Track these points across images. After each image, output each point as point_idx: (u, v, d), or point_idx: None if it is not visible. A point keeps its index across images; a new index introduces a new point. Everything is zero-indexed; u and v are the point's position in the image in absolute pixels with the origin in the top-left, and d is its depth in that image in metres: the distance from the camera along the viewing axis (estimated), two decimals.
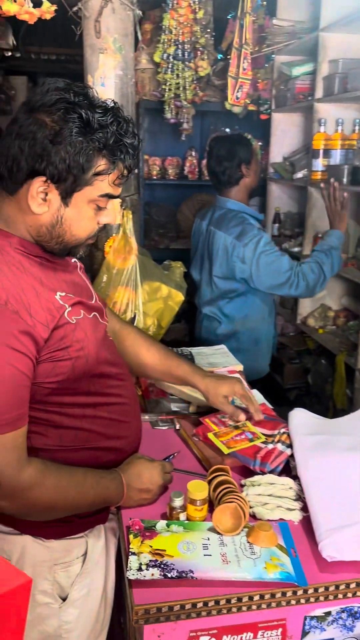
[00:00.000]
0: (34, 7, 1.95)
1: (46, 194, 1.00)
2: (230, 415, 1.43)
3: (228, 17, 3.22)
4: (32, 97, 0.98)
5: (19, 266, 1.00)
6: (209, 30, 3.18)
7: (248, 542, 1.09)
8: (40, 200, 0.99)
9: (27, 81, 5.10)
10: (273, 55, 3.20)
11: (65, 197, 1.00)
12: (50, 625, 1.16)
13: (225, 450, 1.35)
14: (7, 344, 0.94)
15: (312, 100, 2.79)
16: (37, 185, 0.98)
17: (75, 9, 2.06)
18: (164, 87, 3.19)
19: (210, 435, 1.42)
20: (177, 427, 1.55)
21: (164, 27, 3.05)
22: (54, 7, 1.98)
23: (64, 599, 1.17)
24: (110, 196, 1.04)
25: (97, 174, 1.00)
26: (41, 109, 0.96)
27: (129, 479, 1.18)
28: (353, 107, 2.72)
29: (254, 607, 1.01)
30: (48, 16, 2.00)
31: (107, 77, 2.08)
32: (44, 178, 0.97)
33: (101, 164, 1.00)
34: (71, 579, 1.18)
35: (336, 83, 2.57)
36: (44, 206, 1.00)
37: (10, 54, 4.75)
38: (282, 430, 1.39)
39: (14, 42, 4.23)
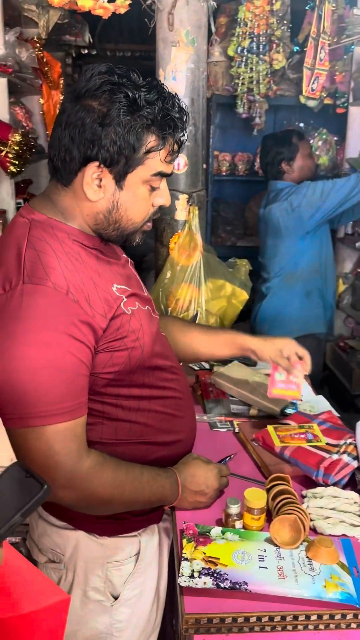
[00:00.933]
0: (109, 1, 1.96)
1: (100, 180, 0.99)
2: (285, 368, 1.37)
3: (306, 8, 3.11)
4: (76, 85, 0.98)
5: (77, 257, 1.01)
6: (285, 22, 3.08)
7: (307, 558, 1.03)
8: (96, 187, 0.99)
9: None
10: (352, 47, 3.06)
11: (119, 180, 1.00)
12: (101, 623, 1.15)
13: (277, 443, 1.31)
14: (68, 332, 0.94)
15: None
16: (91, 171, 0.98)
17: (149, 2, 2.05)
18: (237, 81, 3.13)
19: (270, 429, 1.37)
20: (237, 430, 1.50)
21: (239, 19, 2.99)
22: (128, 1, 1.98)
23: (115, 598, 1.16)
24: (162, 174, 1.03)
25: (148, 151, 0.99)
26: (87, 95, 0.96)
27: (184, 479, 1.15)
28: None
29: (310, 627, 0.95)
30: (122, 10, 2.00)
31: (179, 71, 2.05)
32: (97, 163, 0.97)
33: (151, 140, 0.98)
34: (123, 577, 1.16)
35: None
36: (99, 192, 1.00)
37: (86, 51, 4.83)
38: (349, 440, 1.32)
39: (90, 40, 4.29)
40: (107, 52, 5.18)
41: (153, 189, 1.04)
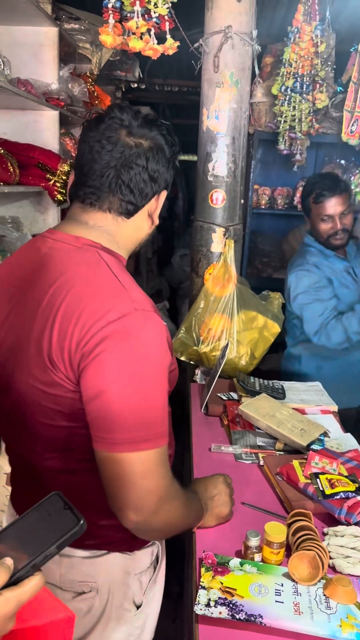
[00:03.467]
0: (158, 44, 2.06)
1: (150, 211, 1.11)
2: None
3: (351, 50, 3.17)
4: (134, 125, 1.05)
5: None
6: (329, 63, 3.15)
7: (324, 595, 1.03)
8: (148, 218, 1.12)
9: (149, 111, 5.37)
10: None
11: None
12: (121, 633, 1.15)
13: (302, 479, 1.34)
14: (166, 362, 0.97)
15: None
16: (153, 205, 1.10)
17: (196, 45, 2.15)
18: (279, 118, 3.20)
19: (295, 463, 1.39)
20: (261, 462, 1.51)
21: (284, 60, 3.07)
22: (177, 44, 2.08)
23: (138, 607, 1.16)
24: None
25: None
26: (149, 134, 1.06)
27: (200, 494, 1.21)
28: None
29: None
30: (171, 52, 2.10)
31: (221, 110, 2.13)
32: (165, 191, 1.11)
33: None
34: (144, 585, 1.17)
35: None
36: (150, 222, 1.12)
37: (136, 85, 5.03)
38: None
39: (140, 75, 4.47)
40: (156, 87, 5.37)
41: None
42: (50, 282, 0.97)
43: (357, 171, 3.71)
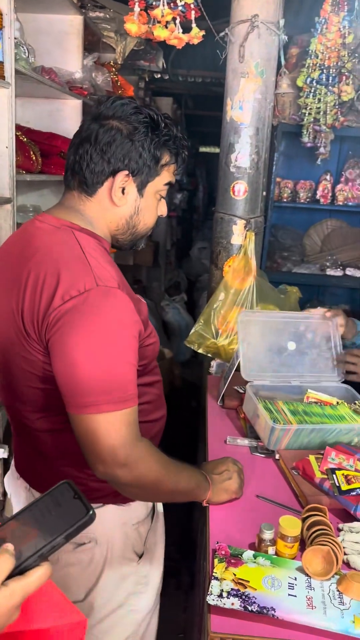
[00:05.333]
0: (183, 32, 2.04)
1: (124, 188, 1.13)
2: None
3: None
4: (101, 110, 1.12)
5: (112, 262, 1.13)
6: (356, 54, 3.09)
7: (338, 591, 1.03)
8: (120, 194, 1.13)
9: (172, 102, 5.34)
10: None
11: (141, 188, 1.15)
12: (130, 582, 1.23)
13: (318, 474, 1.33)
14: (133, 330, 1.05)
15: None
16: (120, 180, 1.12)
17: (222, 34, 2.12)
18: (303, 111, 3.16)
19: (311, 458, 1.38)
20: (277, 457, 1.51)
21: (310, 51, 3.02)
22: (202, 33, 2.06)
23: (140, 556, 1.24)
24: (170, 184, 1.21)
25: (165, 164, 1.16)
26: (114, 116, 1.11)
27: (208, 471, 1.26)
28: None
29: None
30: (196, 41, 2.08)
31: (246, 101, 2.11)
32: (126, 172, 1.12)
33: (166, 155, 1.16)
34: (144, 535, 1.25)
35: None
36: (123, 199, 1.14)
37: (159, 75, 5.00)
38: None
39: (164, 65, 4.45)
40: (179, 77, 5.34)
41: (160, 198, 1.21)
42: (28, 258, 1.07)
43: None
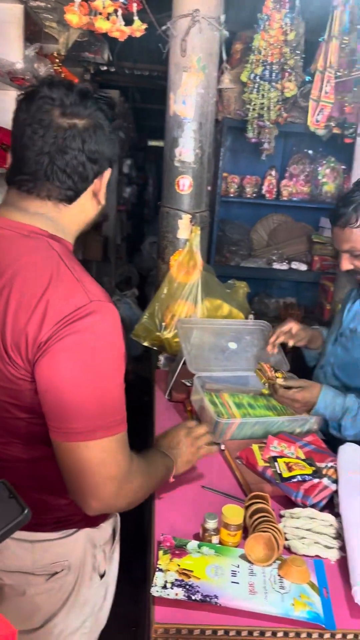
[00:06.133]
0: (125, 25, 2.03)
1: (96, 192, 1.06)
2: None
3: (319, 40, 3.19)
4: (67, 106, 0.98)
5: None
6: (298, 52, 3.15)
7: (278, 576, 1.06)
8: (104, 192, 1.07)
9: (119, 95, 5.29)
10: None
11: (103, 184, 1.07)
12: (91, 605, 1.16)
13: (260, 463, 1.36)
14: (121, 353, 0.96)
15: None
16: (106, 178, 1.06)
17: (163, 28, 2.12)
18: (248, 106, 3.20)
19: (255, 447, 1.41)
20: (222, 448, 1.53)
21: (253, 47, 3.06)
22: (145, 26, 2.05)
23: (102, 576, 1.18)
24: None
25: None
26: (81, 114, 0.99)
27: (166, 447, 1.25)
28: None
29: None
30: (138, 34, 2.07)
31: (189, 95, 2.12)
32: (110, 169, 1.05)
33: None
34: (107, 554, 1.19)
35: None
36: (97, 203, 1.07)
37: (105, 68, 4.94)
38: (330, 464, 1.34)
39: (110, 57, 4.39)
40: (125, 70, 5.29)
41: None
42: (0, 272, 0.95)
43: (325, 161, 3.75)
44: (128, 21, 2.06)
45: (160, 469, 1.18)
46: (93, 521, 1.12)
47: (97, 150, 1.00)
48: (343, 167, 3.71)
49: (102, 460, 0.93)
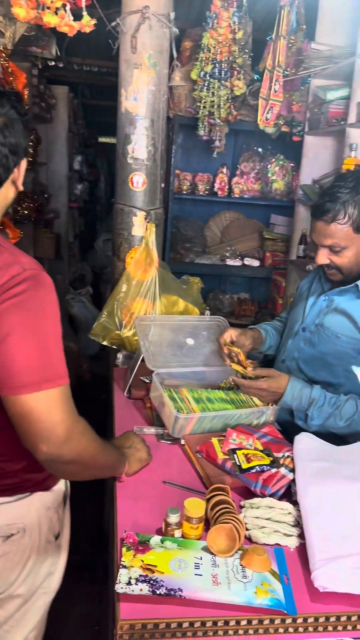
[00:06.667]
0: (74, 20, 2.00)
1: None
2: None
3: (267, 38, 3.25)
4: None
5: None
6: (247, 50, 3.21)
7: (241, 565, 1.08)
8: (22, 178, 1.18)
9: (68, 91, 5.21)
10: (309, 79, 3.21)
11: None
12: (48, 563, 1.27)
13: (220, 456, 1.38)
14: (58, 314, 1.07)
15: (345, 125, 2.78)
16: (24, 165, 1.16)
17: (113, 24, 2.11)
18: (198, 104, 3.22)
19: (214, 441, 1.43)
20: (182, 442, 1.54)
21: (202, 45, 3.09)
22: (94, 21, 2.03)
23: (57, 537, 1.28)
24: None
25: None
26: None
27: (120, 445, 1.37)
28: None
29: (240, 632, 0.99)
30: (87, 29, 2.05)
31: (140, 92, 2.11)
32: (25, 160, 1.16)
33: None
34: (60, 515, 1.29)
35: None
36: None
37: (53, 63, 4.86)
38: (287, 453, 1.38)
39: (58, 52, 4.33)
40: (74, 66, 5.23)
41: None
42: None
43: (274, 159, 3.82)
44: (77, 16, 2.04)
45: (113, 452, 1.27)
46: (45, 485, 1.23)
47: (16, 143, 1.11)
48: (292, 164, 3.80)
49: (49, 408, 1.02)
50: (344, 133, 2.79)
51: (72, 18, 2.02)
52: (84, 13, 2.02)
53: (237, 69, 3.12)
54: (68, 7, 2.00)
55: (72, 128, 5.58)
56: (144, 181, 2.26)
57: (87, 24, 2.03)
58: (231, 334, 1.75)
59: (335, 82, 3.12)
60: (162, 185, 2.36)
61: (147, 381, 1.90)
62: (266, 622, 0.99)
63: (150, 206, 2.30)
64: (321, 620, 1.01)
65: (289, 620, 1.00)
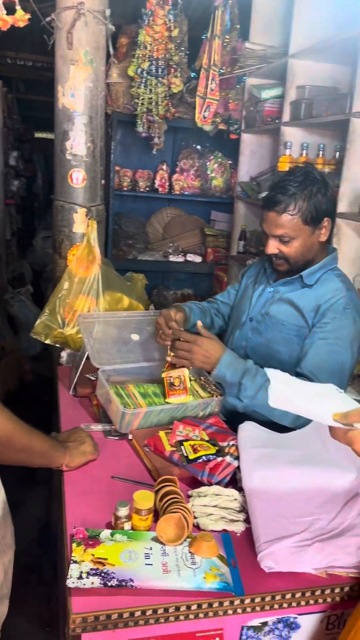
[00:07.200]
0: (7, 14, 1.96)
1: None
2: None
3: (202, 37, 3.29)
4: None
5: None
6: (182, 48, 3.24)
7: (190, 553, 1.11)
8: None
9: (1, 85, 5.08)
10: (244, 77, 3.29)
11: None
12: None
13: (168, 448, 1.41)
14: None
15: (280, 124, 2.87)
16: None
17: (48, 19, 2.08)
18: (136, 101, 3.23)
19: (161, 434, 1.45)
20: (130, 437, 1.56)
21: (139, 42, 3.10)
22: (28, 16, 2.00)
23: None
24: None
25: None
26: None
27: (63, 439, 1.39)
28: (317, 132, 2.80)
29: (191, 616, 1.02)
30: (21, 24, 2.02)
31: (77, 89, 2.10)
32: None
33: None
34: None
35: (302, 108, 2.65)
36: None
37: None
38: (232, 442, 1.42)
39: None
40: (8, 60, 5.10)
41: None
42: None
43: (212, 157, 3.89)
44: (10, 10, 2.00)
45: (42, 440, 1.24)
46: None
47: None
48: (230, 162, 3.87)
49: None
50: (279, 131, 2.88)
51: (4, 12, 1.98)
52: (18, 7, 1.99)
53: (174, 66, 3.15)
54: (1, 1, 1.96)
55: (6, 123, 5.44)
56: (84, 177, 2.25)
57: (21, 18, 2.00)
58: (172, 313, 1.74)
59: (270, 81, 3.21)
60: (103, 181, 2.35)
61: (93, 379, 1.89)
62: (215, 604, 1.03)
63: (91, 203, 2.29)
64: (267, 599, 1.05)
65: (237, 602, 1.04)
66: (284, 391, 1.00)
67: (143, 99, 3.18)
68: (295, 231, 1.60)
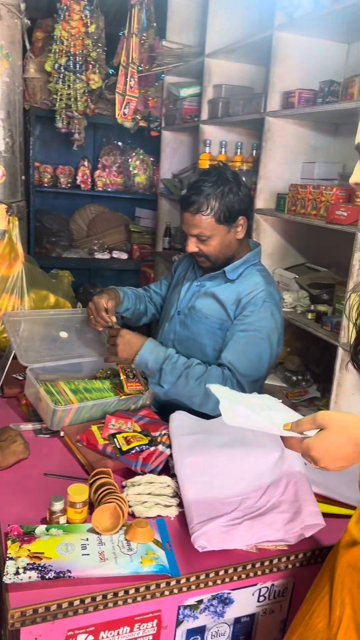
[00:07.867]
0: None
1: None
2: None
3: (120, 34, 3.30)
4: None
5: None
6: (100, 44, 3.23)
7: (126, 540, 1.13)
8: None
9: None
10: (163, 75, 3.33)
11: None
12: None
13: (101, 442, 1.43)
14: None
15: (198, 122, 2.93)
16: None
17: None
18: (55, 96, 3.19)
19: (94, 428, 1.47)
20: (62, 434, 1.56)
21: (55, 37, 3.06)
22: None
23: None
24: None
25: None
26: None
27: None
28: (235, 130, 2.90)
29: (129, 600, 1.05)
30: None
31: None
32: None
33: None
34: None
35: (220, 107, 2.73)
36: None
37: None
38: (163, 432, 1.46)
39: None
40: None
41: None
42: None
43: (134, 153, 3.91)
44: None
45: None
46: None
47: None
48: (152, 159, 3.91)
49: None
50: (198, 129, 2.94)
51: None
52: None
53: (92, 62, 3.14)
54: None
55: None
56: (3, 173, 2.21)
57: None
58: (100, 304, 1.77)
59: (188, 80, 3.27)
60: (23, 177, 2.32)
61: (21, 378, 1.87)
62: (153, 587, 1.06)
63: (11, 199, 2.25)
64: (202, 577, 1.10)
65: (173, 582, 1.08)
66: (233, 408, 0.98)
67: (61, 94, 3.15)
68: (210, 230, 1.66)
